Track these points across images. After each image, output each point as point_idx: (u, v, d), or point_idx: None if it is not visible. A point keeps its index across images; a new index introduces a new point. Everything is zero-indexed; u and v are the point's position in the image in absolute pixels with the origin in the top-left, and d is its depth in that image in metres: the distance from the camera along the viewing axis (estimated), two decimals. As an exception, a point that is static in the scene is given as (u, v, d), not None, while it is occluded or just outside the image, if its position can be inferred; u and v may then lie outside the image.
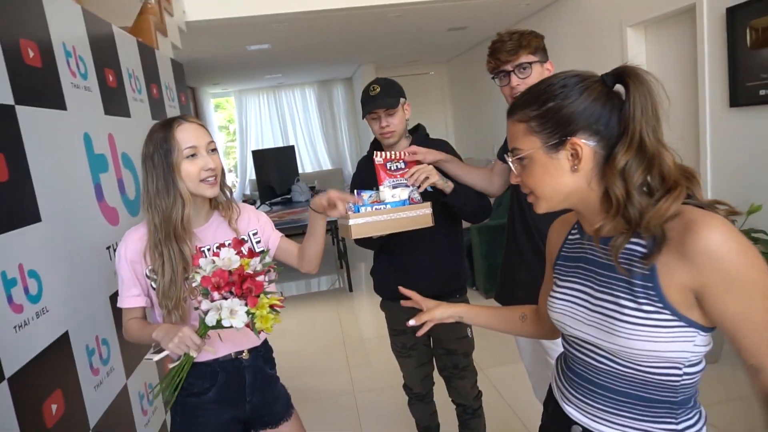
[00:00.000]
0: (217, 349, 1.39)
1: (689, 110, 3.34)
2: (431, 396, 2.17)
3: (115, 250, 1.78)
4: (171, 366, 1.30)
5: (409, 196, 1.70)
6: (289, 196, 6.21)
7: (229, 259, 1.25)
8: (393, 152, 1.76)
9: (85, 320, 1.55)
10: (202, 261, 1.27)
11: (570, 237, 1.06)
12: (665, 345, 0.83)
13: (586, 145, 0.86)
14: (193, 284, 1.25)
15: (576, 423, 0.98)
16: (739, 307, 0.80)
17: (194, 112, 7.96)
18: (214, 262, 1.26)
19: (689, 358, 0.85)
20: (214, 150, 1.38)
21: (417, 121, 2.05)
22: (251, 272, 1.25)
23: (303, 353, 3.76)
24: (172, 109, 2.83)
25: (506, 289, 1.84)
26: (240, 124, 9.02)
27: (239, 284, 1.23)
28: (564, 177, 0.89)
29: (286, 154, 6.90)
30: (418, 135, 1.96)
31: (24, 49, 1.39)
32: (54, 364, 1.37)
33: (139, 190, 2.08)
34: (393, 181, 1.75)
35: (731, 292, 0.79)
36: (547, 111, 0.88)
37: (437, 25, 5.25)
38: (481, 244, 4.26)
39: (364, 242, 1.91)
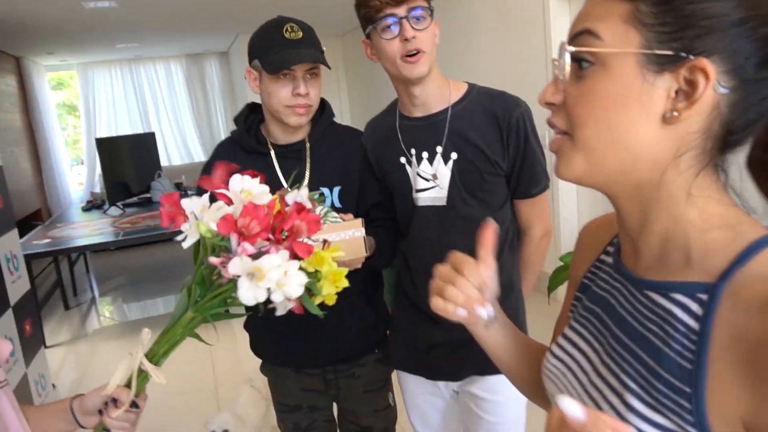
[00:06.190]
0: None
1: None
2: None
3: None
4: None
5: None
6: (147, 195, 5.46)
7: (252, 190, 0.78)
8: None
9: None
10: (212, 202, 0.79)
11: (603, 257, 0.70)
12: None
13: (717, 82, 0.49)
14: (188, 242, 0.77)
15: None
16: None
17: (20, 88, 6.82)
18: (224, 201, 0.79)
19: None
20: None
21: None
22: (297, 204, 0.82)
23: (158, 407, 3.11)
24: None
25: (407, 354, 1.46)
26: (86, 105, 8.02)
27: (283, 224, 0.78)
28: (644, 124, 0.52)
29: (145, 142, 6.20)
30: (324, 119, 1.47)
31: None
32: None
33: None
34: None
35: None
36: None
37: (330, -13, 4.78)
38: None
39: None
